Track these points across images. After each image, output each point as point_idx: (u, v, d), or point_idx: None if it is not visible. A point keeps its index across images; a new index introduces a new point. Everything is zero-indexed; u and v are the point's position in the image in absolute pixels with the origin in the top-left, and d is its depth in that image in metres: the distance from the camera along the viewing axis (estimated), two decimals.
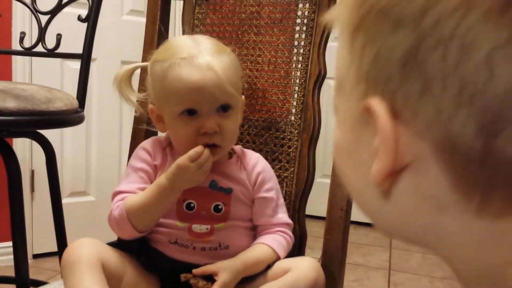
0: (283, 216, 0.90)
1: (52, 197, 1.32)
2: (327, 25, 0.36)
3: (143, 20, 1.12)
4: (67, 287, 0.77)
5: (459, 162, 0.26)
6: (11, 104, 1.05)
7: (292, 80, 1.00)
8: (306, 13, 1.00)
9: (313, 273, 0.80)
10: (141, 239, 0.86)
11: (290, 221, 0.91)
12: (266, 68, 1.02)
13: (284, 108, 1.00)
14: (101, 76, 2.07)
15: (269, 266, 0.84)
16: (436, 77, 0.26)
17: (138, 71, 0.96)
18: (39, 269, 1.94)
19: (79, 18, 1.26)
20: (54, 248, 1.37)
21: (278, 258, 0.86)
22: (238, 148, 0.93)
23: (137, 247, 0.86)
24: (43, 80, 1.76)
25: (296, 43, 1.00)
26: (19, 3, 1.38)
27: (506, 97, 0.24)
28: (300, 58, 0.99)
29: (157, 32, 1.06)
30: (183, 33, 1.10)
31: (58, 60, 1.98)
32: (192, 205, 0.85)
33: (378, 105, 0.28)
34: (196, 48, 0.81)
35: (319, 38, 0.97)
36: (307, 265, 0.81)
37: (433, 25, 0.26)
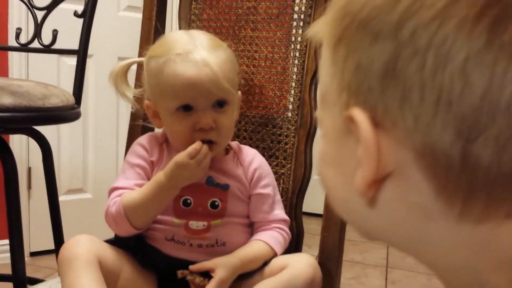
0: (279, 212, 0.90)
1: (49, 195, 1.32)
2: (311, 40, 0.37)
3: (139, 16, 1.11)
4: (64, 284, 0.77)
5: (439, 168, 0.27)
6: (7, 100, 1.04)
7: (289, 76, 0.99)
8: (303, 9, 0.99)
9: (310, 270, 0.80)
10: (138, 236, 0.86)
11: (287, 217, 0.91)
12: (263, 64, 1.01)
13: (281, 104, 1.00)
14: (98, 72, 2.06)
15: (266, 263, 0.84)
16: (414, 87, 0.27)
17: (134, 67, 0.95)
18: (36, 267, 1.94)
19: (75, 14, 1.25)
20: (51, 246, 1.37)
21: (275, 255, 0.85)
22: (234, 144, 0.92)
23: (134, 244, 0.86)
24: (39, 76, 1.75)
25: (293, 38, 1.00)
26: None
27: (482, 104, 0.25)
28: (297, 54, 0.99)
29: (153, 28, 1.06)
30: (180, 28, 1.09)
31: (55, 56, 1.98)
32: (188, 201, 0.85)
33: (359, 115, 0.29)
34: (192, 43, 0.81)
35: None
36: (304, 262, 0.81)
37: (410, 36, 0.27)
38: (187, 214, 0.85)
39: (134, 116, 1.04)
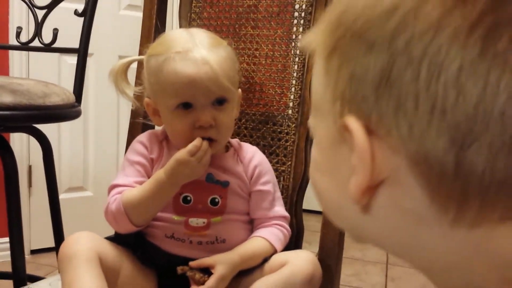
0: (280, 209, 0.90)
1: (49, 193, 1.32)
2: (304, 50, 0.37)
3: (140, 14, 1.11)
4: (64, 281, 0.77)
5: (433, 175, 0.27)
6: (7, 98, 1.04)
7: (290, 73, 0.99)
8: (303, 7, 0.99)
9: (310, 267, 0.80)
10: (138, 234, 0.86)
11: (287, 214, 0.91)
12: (264, 62, 1.01)
13: (281, 102, 1.00)
14: (98, 70, 2.06)
15: (265, 260, 0.84)
16: (409, 96, 0.27)
17: (134, 65, 0.95)
18: (37, 265, 1.94)
19: (76, 13, 1.25)
20: (51, 243, 1.37)
21: (275, 252, 0.86)
22: (235, 141, 0.93)
23: (133, 241, 0.86)
24: (40, 75, 1.75)
25: (293, 36, 1.00)
26: None
27: (475, 113, 0.26)
28: (298, 52, 0.99)
29: (154, 27, 1.06)
30: (180, 27, 1.09)
31: (55, 55, 1.98)
32: (188, 198, 0.85)
33: (354, 124, 0.30)
34: (192, 41, 0.81)
35: None
36: (304, 259, 0.81)
37: (404, 46, 0.27)
38: (187, 211, 0.85)
39: (134, 114, 1.04)
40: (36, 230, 2.02)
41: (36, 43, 1.28)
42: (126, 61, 0.91)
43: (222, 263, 0.80)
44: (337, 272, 0.90)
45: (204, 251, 0.84)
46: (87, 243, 0.78)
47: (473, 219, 0.27)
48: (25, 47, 1.34)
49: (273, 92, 1.00)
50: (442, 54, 0.26)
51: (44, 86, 1.15)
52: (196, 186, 0.84)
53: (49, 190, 1.32)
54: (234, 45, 0.99)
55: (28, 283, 1.18)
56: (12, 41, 1.85)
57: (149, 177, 0.84)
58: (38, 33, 1.26)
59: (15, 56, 1.94)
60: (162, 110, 0.85)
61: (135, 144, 0.89)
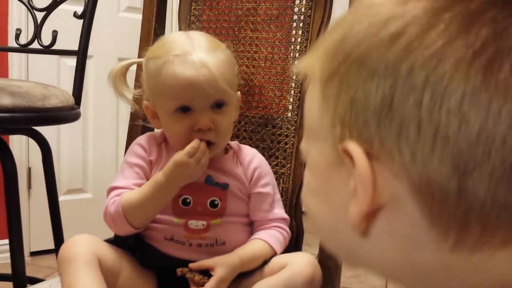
0: (279, 211, 0.90)
1: (48, 195, 1.32)
2: (298, 75, 0.37)
3: (139, 17, 1.11)
4: (64, 284, 0.77)
5: (435, 201, 0.28)
6: (6, 101, 1.04)
7: (289, 76, 0.99)
8: (302, 10, 0.99)
9: (310, 269, 0.80)
10: (137, 236, 0.86)
11: (286, 216, 0.91)
12: (263, 65, 1.02)
13: (280, 105, 1.00)
14: (98, 73, 2.06)
15: (265, 262, 0.85)
16: (411, 122, 0.27)
17: (134, 67, 0.96)
18: (37, 267, 1.94)
19: (75, 15, 1.25)
20: (51, 245, 1.37)
21: (275, 254, 0.86)
22: (234, 143, 0.93)
23: (133, 244, 0.86)
24: (39, 77, 1.75)
25: (292, 39, 1.00)
26: (15, 0, 1.37)
27: (477, 141, 0.26)
28: (297, 55, 0.99)
29: (153, 29, 1.06)
30: (180, 29, 1.09)
31: (55, 57, 1.98)
32: (188, 200, 0.85)
33: (355, 148, 0.30)
34: (190, 44, 0.81)
35: (315, 35, 0.97)
36: (303, 261, 0.81)
37: (407, 73, 0.28)
38: (186, 213, 0.85)
39: (133, 116, 1.04)
40: (36, 232, 2.01)
41: (35, 45, 1.28)
42: (125, 63, 0.91)
43: (221, 265, 0.80)
44: (337, 274, 0.91)
45: (204, 253, 0.84)
46: (87, 245, 0.79)
47: (474, 244, 0.27)
48: (24, 49, 1.34)
49: (273, 95, 1.00)
50: (445, 82, 0.26)
51: (44, 88, 1.16)
52: (195, 188, 0.84)
53: (49, 192, 1.32)
54: (233, 47, 0.99)
55: (28, 285, 1.19)
56: (12, 43, 1.85)
57: (148, 179, 0.84)
58: (37, 35, 1.26)
59: (14, 58, 1.93)
60: (161, 113, 0.85)
61: (134, 146, 0.89)
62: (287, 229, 0.90)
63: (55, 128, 1.99)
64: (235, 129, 1.01)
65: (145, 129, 1.02)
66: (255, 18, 1.03)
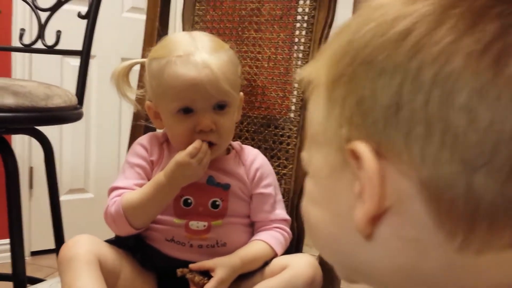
0: (281, 212, 0.89)
1: (50, 194, 1.32)
2: (301, 83, 0.37)
3: (143, 17, 1.11)
4: (64, 284, 0.77)
5: (443, 200, 0.27)
6: (9, 100, 1.04)
7: (292, 77, 0.99)
8: (306, 10, 0.99)
9: (311, 270, 0.79)
10: (138, 237, 0.86)
11: (288, 217, 0.90)
12: (266, 65, 1.01)
13: (283, 105, 0.99)
14: (101, 73, 2.06)
15: (266, 263, 0.84)
16: (419, 121, 0.27)
17: (137, 67, 0.95)
18: (37, 266, 1.94)
19: (79, 15, 1.25)
20: (52, 245, 1.37)
21: (276, 255, 0.85)
22: (236, 144, 0.92)
23: (133, 244, 0.86)
24: (42, 77, 1.75)
25: (296, 40, 1.00)
26: (19, 0, 1.37)
27: (486, 137, 0.26)
28: (300, 55, 0.99)
29: (156, 29, 1.06)
30: (183, 29, 1.09)
31: (58, 57, 1.98)
32: (189, 201, 0.85)
33: (363, 148, 0.29)
34: (193, 45, 0.81)
35: (319, 35, 0.97)
36: (304, 262, 0.80)
37: (415, 71, 0.27)
38: (187, 214, 0.84)
39: (136, 117, 1.04)
40: (37, 231, 2.01)
41: (39, 45, 1.28)
42: (128, 63, 0.91)
43: (222, 266, 0.80)
44: (338, 276, 0.90)
45: (205, 254, 0.84)
46: (87, 246, 0.78)
47: (481, 245, 0.27)
48: (28, 49, 1.34)
49: (275, 95, 1.00)
50: (453, 79, 0.26)
51: (47, 88, 1.16)
52: (197, 189, 0.84)
53: (50, 191, 1.32)
54: (237, 48, 0.99)
55: (28, 285, 1.18)
56: (15, 42, 1.85)
57: (149, 180, 0.84)
58: (41, 35, 1.27)
59: (17, 58, 1.94)
60: (163, 113, 0.85)
61: (136, 146, 0.89)
62: (288, 230, 0.89)
63: (58, 127, 1.99)
64: (238, 129, 1.00)
65: (148, 129, 1.02)
66: (258, 18, 1.03)
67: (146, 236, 0.87)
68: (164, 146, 0.88)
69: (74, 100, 1.21)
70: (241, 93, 0.90)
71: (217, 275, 0.79)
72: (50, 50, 1.26)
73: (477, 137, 0.26)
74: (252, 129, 1.01)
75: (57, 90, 1.17)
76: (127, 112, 2.10)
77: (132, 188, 0.84)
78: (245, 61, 1.02)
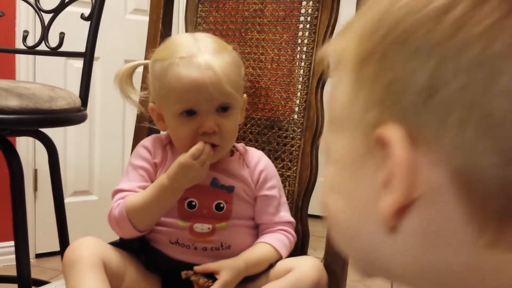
0: (285, 214, 0.89)
1: (54, 196, 1.32)
2: (327, 58, 0.34)
3: (146, 19, 1.11)
4: (69, 286, 0.77)
5: (476, 192, 0.25)
6: (13, 102, 1.05)
7: (295, 78, 0.99)
8: (309, 11, 0.99)
9: (316, 273, 0.79)
10: (142, 239, 0.86)
11: (292, 219, 0.90)
12: (269, 66, 1.01)
13: (287, 107, 0.99)
14: (104, 75, 2.06)
15: (271, 266, 0.84)
16: (456, 106, 0.25)
17: (140, 69, 0.95)
18: (42, 269, 1.94)
19: (82, 17, 1.25)
20: (56, 247, 1.37)
21: (280, 258, 0.85)
22: (240, 145, 0.92)
23: (138, 247, 0.86)
24: (46, 79, 1.76)
25: (299, 41, 0.99)
26: (22, 2, 1.38)
27: None
28: (304, 56, 0.99)
29: (159, 31, 1.06)
30: (186, 31, 1.09)
31: (62, 59, 1.98)
32: (193, 203, 0.85)
33: (394, 133, 0.27)
34: (196, 47, 0.81)
35: (322, 36, 0.97)
36: (309, 265, 0.80)
37: (454, 52, 0.25)
38: (191, 216, 0.84)
39: (140, 118, 1.04)
40: (41, 234, 2.02)
41: (42, 47, 1.28)
42: (131, 65, 0.91)
43: (227, 269, 0.80)
44: (343, 278, 0.90)
45: (209, 257, 0.84)
46: (91, 248, 0.78)
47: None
48: (31, 51, 1.34)
49: (279, 97, 1.00)
50: (496, 61, 0.24)
51: (50, 90, 1.16)
52: (201, 191, 0.84)
53: (55, 194, 1.32)
54: (240, 49, 0.99)
55: (33, 287, 1.18)
56: (19, 44, 1.85)
57: (152, 182, 0.84)
58: (44, 37, 1.27)
59: (21, 60, 1.94)
60: (166, 115, 0.85)
61: (139, 148, 0.89)
62: (293, 232, 0.89)
63: (62, 129, 2.00)
64: (241, 131, 1.00)
65: (151, 131, 1.02)
66: (261, 19, 1.03)
67: (150, 238, 0.87)
68: (168, 148, 0.88)
69: (78, 102, 1.21)
70: (245, 95, 0.90)
71: (222, 278, 0.79)
72: (54, 52, 1.26)
73: None
74: (256, 131, 1.01)
75: (61, 92, 1.18)
76: (131, 114, 2.11)
77: (135, 190, 0.84)
78: (248, 62, 1.02)
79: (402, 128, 0.27)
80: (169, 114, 0.83)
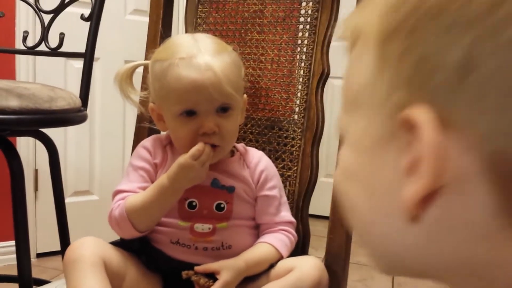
0: (286, 214, 0.89)
1: (55, 196, 1.32)
2: (344, 35, 0.32)
3: (146, 19, 1.11)
4: (70, 286, 0.77)
5: (509, 180, 0.24)
6: (13, 103, 1.05)
7: (295, 78, 0.99)
8: (309, 12, 0.99)
9: (317, 273, 0.79)
10: (143, 239, 0.86)
11: (293, 219, 0.90)
12: (269, 67, 1.01)
13: (287, 107, 0.99)
14: (104, 75, 2.07)
15: (272, 265, 0.84)
16: (493, 86, 0.23)
17: (140, 69, 0.95)
18: (42, 268, 1.94)
19: (82, 17, 1.26)
20: (57, 247, 1.37)
21: (281, 258, 0.85)
22: (240, 146, 0.92)
23: (138, 247, 0.86)
24: (46, 79, 1.76)
25: (299, 41, 1.00)
26: (22, 2, 1.38)
27: None
28: (304, 57, 0.99)
29: (159, 31, 1.06)
30: (186, 32, 1.09)
31: (62, 59, 1.98)
32: (194, 203, 0.85)
33: (424, 115, 0.25)
34: (196, 47, 0.81)
35: (322, 37, 0.97)
36: (310, 265, 0.80)
37: (492, 28, 0.23)
38: (192, 216, 0.84)
39: (140, 119, 1.05)
40: (42, 233, 2.02)
41: (42, 47, 1.28)
42: (131, 65, 0.91)
43: (227, 269, 0.80)
44: (344, 278, 0.90)
45: (210, 257, 0.84)
46: (92, 248, 0.78)
47: None
48: (31, 51, 1.34)
49: (279, 97, 1.00)
50: None
51: (51, 90, 1.16)
52: (201, 191, 0.84)
53: (55, 194, 1.32)
54: (240, 50, 0.99)
55: (34, 286, 1.19)
56: (19, 45, 1.85)
57: (153, 182, 0.84)
58: (44, 37, 1.27)
59: (21, 60, 1.94)
60: (166, 115, 0.85)
61: (139, 149, 0.89)
62: (294, 232, 0.89)
63: (62, 130, 2.00)
64: (242, 131, 1.00)
65: (152, 131, 1.02)
66: (261, 20, 1.03)
67: (151, 238, 0.87)
68: (168, 148, 0.88)
69: (78, 102, 1.21)
70: (245, 95, 0.90)
71: (222, 278, 0.79)
72: (54, 52, 1.27)
73: None
74: (256, 131, 1.01)
75: (61, 93, 1.18)
76: (131, 114, 2.11)
77: (136, 191, 0.84)
78: (248, 63, 1.02)
79: (432, 109, 0.25)
80: (169, 115, 0.83)
